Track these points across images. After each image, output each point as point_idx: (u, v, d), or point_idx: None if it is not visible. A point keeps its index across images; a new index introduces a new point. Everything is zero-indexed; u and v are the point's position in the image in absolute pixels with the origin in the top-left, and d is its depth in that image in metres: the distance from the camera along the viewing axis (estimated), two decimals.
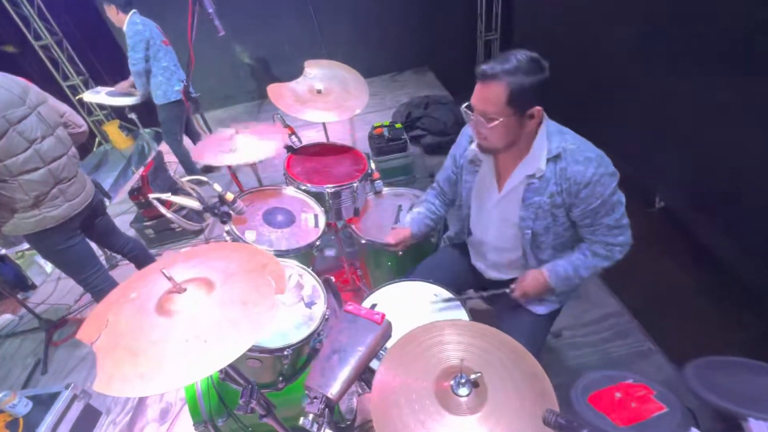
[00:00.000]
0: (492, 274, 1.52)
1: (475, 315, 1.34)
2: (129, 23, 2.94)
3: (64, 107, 1.95)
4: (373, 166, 2.01)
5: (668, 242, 2.07)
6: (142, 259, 2.43)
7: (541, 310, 1.40)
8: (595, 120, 3.26)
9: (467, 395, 0.84)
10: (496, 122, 1.09)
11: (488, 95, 1.08)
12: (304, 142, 2.13)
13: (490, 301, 1.60)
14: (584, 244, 1.31)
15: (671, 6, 2.38)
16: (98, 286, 2.11)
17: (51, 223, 1.81)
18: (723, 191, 2.14)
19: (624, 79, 2.99)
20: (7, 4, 4.40)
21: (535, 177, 1.19)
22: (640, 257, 2.21)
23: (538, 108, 1.10)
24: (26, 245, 3.57)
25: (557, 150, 1.15)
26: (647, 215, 2.24)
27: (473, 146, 1.32)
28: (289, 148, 2.03)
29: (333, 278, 1.39)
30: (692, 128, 2.33)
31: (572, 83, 3.50)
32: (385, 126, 3.26)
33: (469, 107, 1.16)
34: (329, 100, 2.01)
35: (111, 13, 2.95)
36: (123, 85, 3.41)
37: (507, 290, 1.38)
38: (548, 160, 1.16)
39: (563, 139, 1.16)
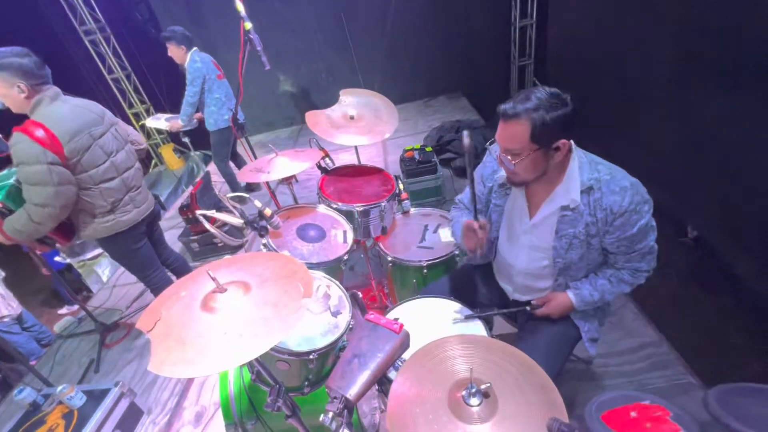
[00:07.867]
0: (517, 296, 1.52)
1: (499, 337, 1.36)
2: (190, 61, 3.34)
3: (129, 128, 2.28)
4: (401, 186, 2.10)
5: (701, 272, 1.98)
6: (181, 271, 2.66)
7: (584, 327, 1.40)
8: (627, 145, 3.18)
9: (478, 405, 0.87)
10: (522, 158, 1.12)
11: (512, 133, 1.10)
12: (339, 163, 2.28)
13: (512, 319, 1.61)
14: (609, 270, 1.32)
15: (708, 30, 2.35)
16: (158, 283, 2.39)
17: (122, 227, 2.08)
18: (757, 221, 2.04)
19: (657, 104, 2.94)
20: (88, 45, 5.10)
21: (569, 208, 1.20)
22: (675, 286, 2.11)
23: (564, 141, 1.10)
24: (88, 255, 3.99)
25: (590, 182, 1.16)
26: (680, 244, 2.15)
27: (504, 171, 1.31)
28: (323, 170, 2.18)
29: (360, 294, 1.47)
30: (725, 156, 2.24)
31: (605, 108, 3.46)
32: (416, 149, 3.37)
33: (493, 143, 1.21)
34: (361, 125, 2.15)
35: (176, 51, 3.34)
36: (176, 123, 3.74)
37: (527, 307, 1.40)
38: (581, 192, 1.17)
39: (596, 170, 1.17)
